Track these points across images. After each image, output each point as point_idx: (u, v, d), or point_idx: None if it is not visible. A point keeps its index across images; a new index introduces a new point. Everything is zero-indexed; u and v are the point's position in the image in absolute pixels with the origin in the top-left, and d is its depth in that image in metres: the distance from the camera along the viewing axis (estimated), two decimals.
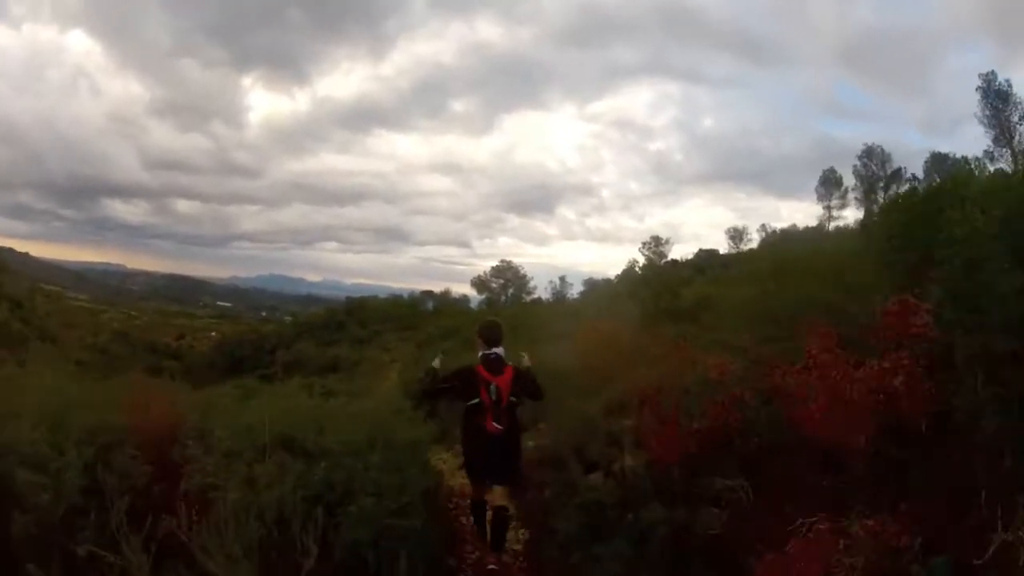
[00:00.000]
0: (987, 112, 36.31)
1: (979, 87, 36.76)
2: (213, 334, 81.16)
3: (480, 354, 5.25)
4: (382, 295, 74.46)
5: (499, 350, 5.23)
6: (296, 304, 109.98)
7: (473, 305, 58.74)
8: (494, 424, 4.99)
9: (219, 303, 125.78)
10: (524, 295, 56.04)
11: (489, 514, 5.37)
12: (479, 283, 58.91)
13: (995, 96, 36.24)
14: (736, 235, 51.69)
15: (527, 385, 5.24)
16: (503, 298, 56.57)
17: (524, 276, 58.35)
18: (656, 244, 49.27)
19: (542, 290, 55.80)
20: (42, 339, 61.76)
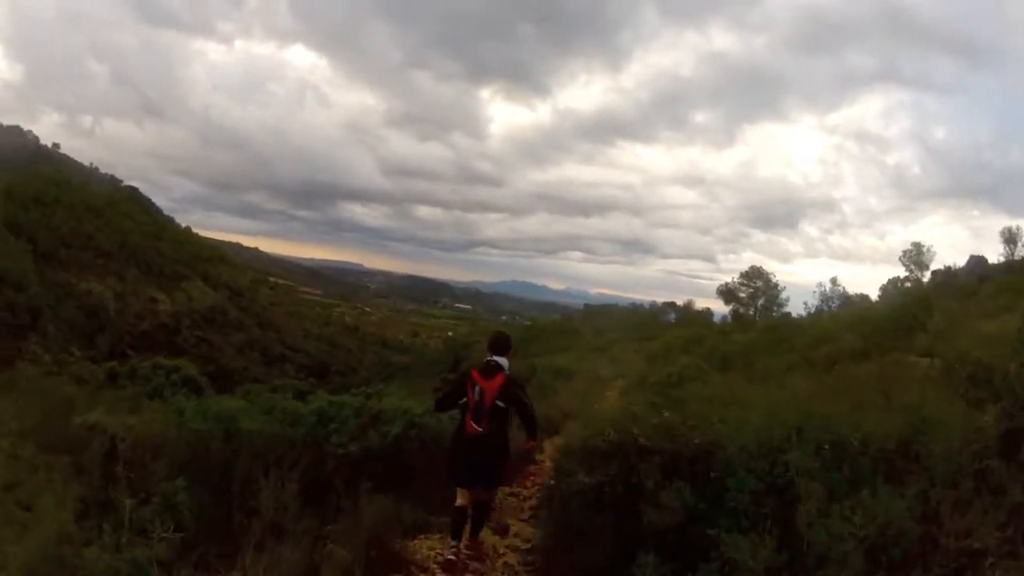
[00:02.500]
0: None
1: None
2: (449, 334, 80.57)
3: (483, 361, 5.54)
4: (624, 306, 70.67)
5: (500, 359, 5.48)
6: (537, 310, 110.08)
7: (717, 318, 52.90)
8: (473, 424, 5.24)
9: (458, 305, 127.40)
10: (775, 307, 49.25)
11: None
12: (726, 292, 51.97)
13: None
14: (1010, 238, 37.37)
15: (514, 395, 5.36)
16: (751, 310, 50.20)
17: (776, 286, 51.28)
18: (918, 253, 41.06)
19: (792, 306, 48.38)
20: (261, 327, 65.98)
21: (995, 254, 36.41)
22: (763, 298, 49.99)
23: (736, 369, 17.46)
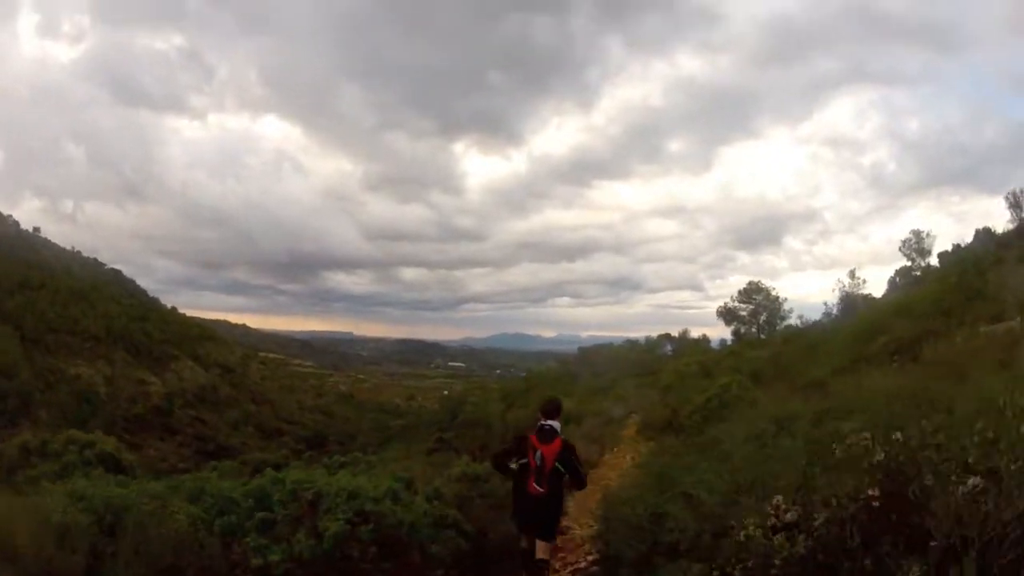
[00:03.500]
0: None
1: None
2: (445, 392, 79.66)
3: (537, 424, 5.93)
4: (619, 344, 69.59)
5: (554, 423, 5.92)
6: (531, 360, 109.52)
7: (715, 343, 50.07)
8: (535, 486, 5.71)
9: (451, 364, 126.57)
10: (778, 321, 46.34)
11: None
12: (726, 312, 48.92)
13: None
14: (1015, 202, 37.16)
15: (570, 460, 5.80)
16: (754, 327, 47.07)
17: (777, 299, 48.14)
18: (918, 241, 38.34)
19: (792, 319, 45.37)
20: (255, 402, 65.00)
21: (1003, 222, 36.24)
22: (765, 313, 47.55)
23: (777, 381, 16.61)
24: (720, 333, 49.53)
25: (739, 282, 51.16)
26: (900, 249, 40.77)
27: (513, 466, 5.86)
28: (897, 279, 37.57)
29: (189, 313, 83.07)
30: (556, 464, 5.71)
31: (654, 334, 66.92)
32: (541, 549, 5.88)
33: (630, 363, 55.49)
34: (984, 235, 35.23)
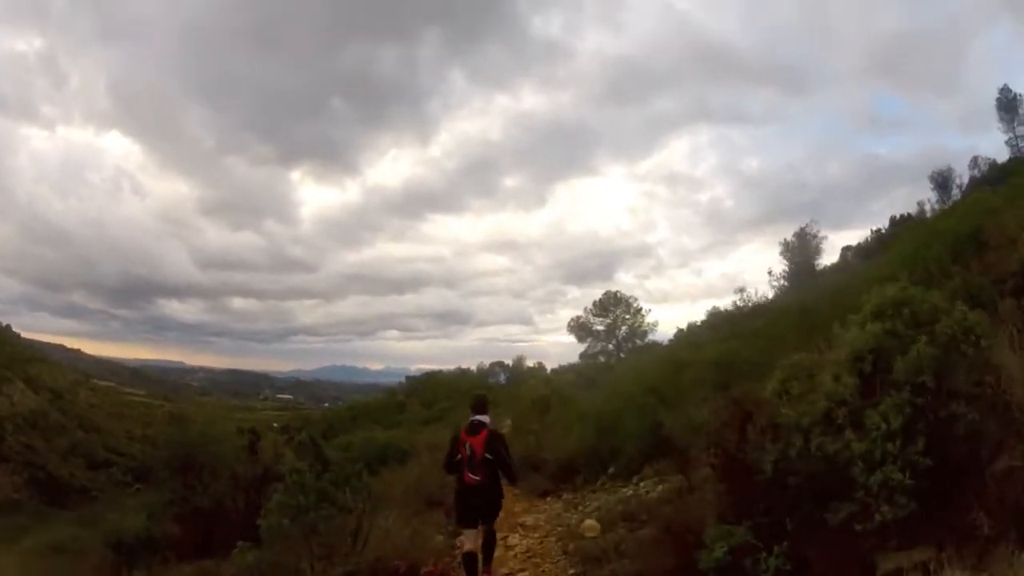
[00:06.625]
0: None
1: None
2: (275, 425, 76.97)
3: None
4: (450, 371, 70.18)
5: (482, 417, 6.65)
6: (359, 393, 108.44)
7: (552, 367, 48.83)
8: (470, 475, 6.39)
9: (280, 396, 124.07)
10: (640, 331, 41.27)
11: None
12: (578, 327, 43.01)
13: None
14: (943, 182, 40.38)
15: (497, 448, 6.44)
16: (611, 344, 41.55)
17: (640, 310, 42.22)
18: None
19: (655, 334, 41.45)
20: (84, 429, 60.72)
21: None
22: (625, 326, 41.74)
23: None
24: (564, 352, 46.76)
25: (568, 316, 46.65)
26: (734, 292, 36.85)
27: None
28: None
29: (26, 335, 77.32)
30: (486, 454, 6.36)
31: (486, 363, 67.15)
32: (481, 530, 6.60)
33: (462, 392, 57.07)
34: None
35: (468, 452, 6.39)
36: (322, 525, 6.63)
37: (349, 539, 7.07)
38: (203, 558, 10.37)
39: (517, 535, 9.29)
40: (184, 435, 14.52)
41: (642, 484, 9.99)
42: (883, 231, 40.09)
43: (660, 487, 9.11)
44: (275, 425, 76.10)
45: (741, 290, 29.99)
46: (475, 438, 6.44)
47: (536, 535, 9.25)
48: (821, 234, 39.66)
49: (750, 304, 26.32)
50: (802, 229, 38.14)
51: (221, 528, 11.16)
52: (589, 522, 8.53)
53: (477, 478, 6.35)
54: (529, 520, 10.23)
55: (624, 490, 10.17)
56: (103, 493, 33.12)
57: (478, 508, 6.50)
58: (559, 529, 9.24)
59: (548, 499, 11.86)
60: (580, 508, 10.25)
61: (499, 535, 7.60)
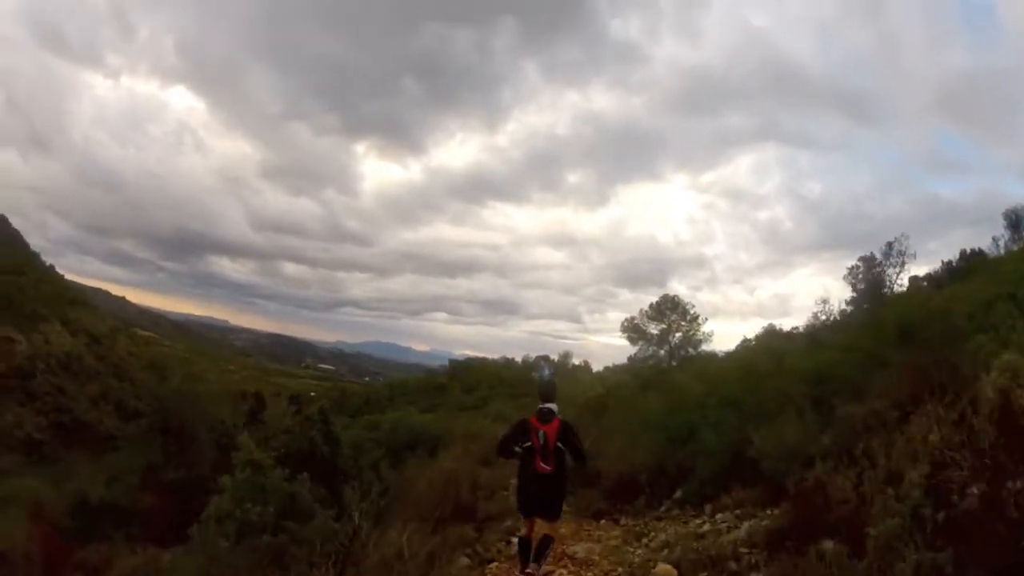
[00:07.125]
0: None
1: None
2: (312, 394, 77.07)
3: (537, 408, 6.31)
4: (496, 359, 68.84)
5: (551, 405, 6.29)
6: (401, 371, 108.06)
7: (597, 368, 45.89)
8: (542, 464, 6.05)
9: (322, 365, 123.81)
10: (695, 340, 39.83)
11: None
12: (631, 328, 41.33)
13: None
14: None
15: (570, 437, 6.19)
16: (662, 350, 40.38)
17: (696, 318, 40.35)
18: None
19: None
20: (118, 378, 60.98)
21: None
22: (679, 334, 39.36)
23: None
24: (613, 354, 45.56)
25: (617, 319, 45.19)
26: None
27: (518, 450, 6.17)
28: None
29: (72, 278, 77.20)
30: (558, 443, 6.07)
31: (532, 356, 64.92)
32: (543, 527, 6.25)
33: (504, 382, 55.73)
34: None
35: (541, 440, 6.06)
36: (291, 552, 4.83)
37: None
38: (173, 540, 8.77)
39: (565, 570, 7.52)
40: (162, 388, 12.87)
41: (719, 516, 8.35)
42: (953, 263, 37.19)
43: (746, 524, 7.35)
44: (312, 394, 76.61)
45: (824, 301, 27.23)
46: (548, 426, 6.11)
47: (590, 574, 7.47)
48: (909, 251, 35.38)
49: (831, 318, 24.11)
50: (888, 244, 34.30)
51: (200, 505, 8.82)
52: (664, 567, 6.81)
53: (549, 468, 6.05)
54: (580, 551, 8.30)
55: (696, 520, 8.53)
56: (129, 444, 32.62)
57: (543, 498, 6.21)
58: (619, 570, 7.37)
59: (602, 522, 10.33)
60: (644, 541, 8.50)
61: (543, 569, 6.47)
